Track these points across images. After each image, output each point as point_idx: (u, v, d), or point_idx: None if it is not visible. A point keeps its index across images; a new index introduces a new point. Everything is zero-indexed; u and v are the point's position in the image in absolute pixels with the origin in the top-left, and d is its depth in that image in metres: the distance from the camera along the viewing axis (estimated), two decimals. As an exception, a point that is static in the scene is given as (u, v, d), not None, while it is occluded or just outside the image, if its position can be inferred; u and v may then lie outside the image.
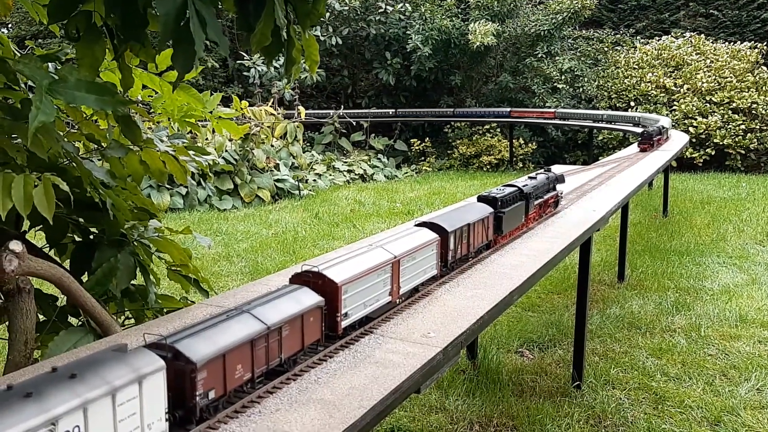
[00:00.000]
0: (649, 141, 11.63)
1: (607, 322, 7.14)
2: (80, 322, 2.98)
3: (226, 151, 16.32)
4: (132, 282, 3.35)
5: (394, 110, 24.26)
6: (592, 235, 5.45)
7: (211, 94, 3.89)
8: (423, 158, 24.16)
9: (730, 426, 5.01)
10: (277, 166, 17.70)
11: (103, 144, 3.39)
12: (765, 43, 22.87)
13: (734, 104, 20.61)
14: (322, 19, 2.94)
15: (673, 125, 17.44)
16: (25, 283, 2.72)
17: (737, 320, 7.19)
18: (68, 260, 3.33)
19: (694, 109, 20.89)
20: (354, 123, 23.72)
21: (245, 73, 22.58)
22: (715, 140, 20.28)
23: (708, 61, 22.22)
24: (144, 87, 3.66)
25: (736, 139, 20.18)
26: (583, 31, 26.58)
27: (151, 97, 3.80)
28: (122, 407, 1.60)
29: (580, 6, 22.57)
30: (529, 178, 5.11)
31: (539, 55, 23.28)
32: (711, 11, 25.70)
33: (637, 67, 23.20)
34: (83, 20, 2.53)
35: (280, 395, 2.18)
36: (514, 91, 24.30)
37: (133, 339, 2.52)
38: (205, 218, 14.24)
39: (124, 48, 2.58)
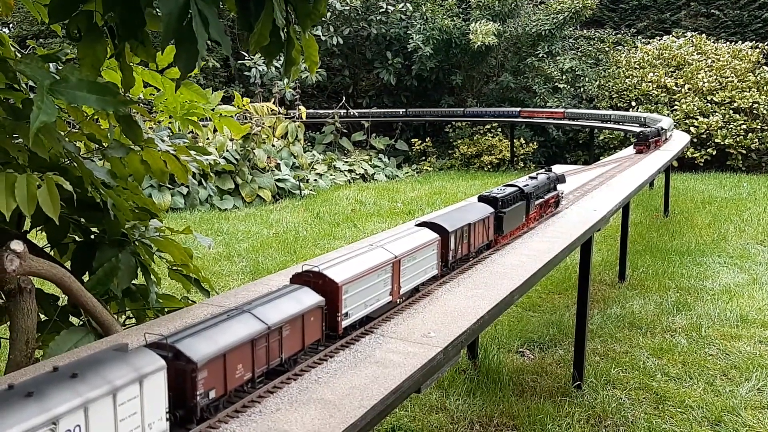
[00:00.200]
0: (645, 142, 11.46)
1: (607, 322, 7.14)
2: (81, 322, 2.99)
3: (227, 150, 16.33)
4: (133, 282, 3.36)
5: (404, 110, 24.26)
6: (593, 235, 5.45)
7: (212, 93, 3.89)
8: (424, 158, 24.16)
9: (731, 426, 5.00)
10: (278, 166, 17.71)
11: (104, 144, 3.39)
12: (766, 43, 22.84)
13: (735, 104, 20.60)
14: (323, 18, 2.94)
15: (674, 125, 17.41)
16: (26, 282, 2.73)
17: (738, 320, 7.18)
18: (69, 260, 3.34)
19: (696, 108, 20.88)
20: (364, 123, 23.77)
21: (246, 73, 22.60)
22: (716, 140, 20.26)
23: (709, 60, 22.20)
24: (146, 85, 3.67)
25: (738, 139, 20.16)
26: (584, 31, 26.56)
27: (153, 95, 3.80)
28: (123, 407, 1.60)
29: (581, 6, 22.55)
30: (530, 177, 5.11)
31: (540, 55, 23.26)
32: (712, 11, 25.68)
33: (638, 66, 23.19)
34: (84, 20, 2.54)
35: (281, 395, 2.18)
36: (515, 90, 24.28)
37: (133, 338, 2.53)
38: (206, 218, 14.25)
39: (122, 46, 2.58)
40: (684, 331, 6.90)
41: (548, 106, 22.48)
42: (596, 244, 10.04)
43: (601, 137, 22.31)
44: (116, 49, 2.61)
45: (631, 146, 12.38)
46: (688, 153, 19.97)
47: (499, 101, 24.42)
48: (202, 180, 15.63)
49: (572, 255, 6.18)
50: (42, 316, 3.14)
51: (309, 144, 23.22)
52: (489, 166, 22.66)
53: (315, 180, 19.15)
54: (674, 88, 21.85)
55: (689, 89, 21.59)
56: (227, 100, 12.84)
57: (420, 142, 24.34)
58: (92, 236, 3.36)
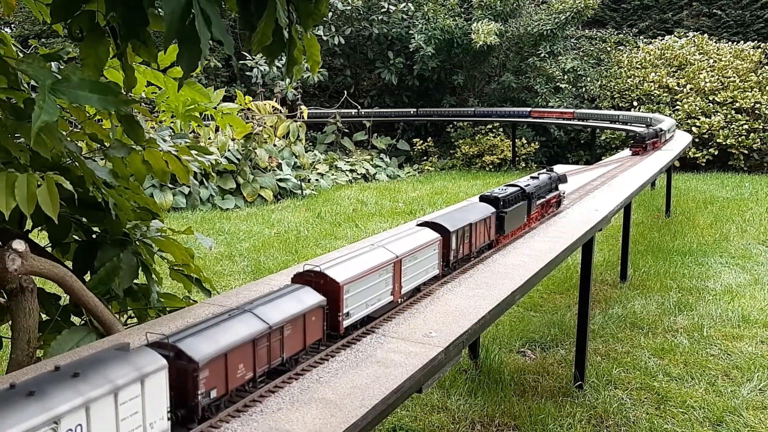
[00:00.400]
0: (641, 144, 11.24)
1: (609, 322, 7.14)
2: (83, 321, 2.99)
3: (229, 150, 16.33)
4: (134, 281, 3.36)
5: (414, 110, 24.24)
6: (595, 235, 5.44)
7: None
8: (425, 158, 24.14)
9: (733, 426, 5.00)
10: (279, 166, 17.71)
11: (105, 143, 3.40)
12: (768, 43, 22.84)
13: (737, 104, 20.57)
14: (324, 18, 2.95)
15: (676, 125, 17.38)
16: (28, 282, 2.73)
17: (740, 320, 7.18)
18: (71, 260, 3.34)
19: (697, 108, 20.85)
20: (365, 123, 23.76)
21: (248, 73, 22.59)
22: (718, 140, 20.24)
23: (711, 60, 22.17)
24: (148, 84, 3.67)
25: (739, 139, 20.13)
26: (586, 31, 26.54)
27: (155, 93, 3.80)
28: (124, 406, 1.60)
29: (583, 6, 22.53)
30: (532, 177, 5.11)
31: (542, 55, 23.24)
32: (714, 11, 25.65)
33: (640, 66, 23.16)
34: (86, 20, 2.54)
35: (282, 394, 2.18)
36: (517, 90, 24.26)
37: (135, 338, 2.53)
38: (207, 218, 14.26)
39: (124, 46, 2.59)
40: (686, 332, 6.89)
41: (550, 106, 22.46)
42: (598, 244, 10.03)
43: (603, 137, 22.29)
44: (118, 49, 2.61)
45: (628, 148, 12.15)
46: (690, 153, 19.95)
47: (501, 101, 24.40)
48: (204, 180, 15.63)
49: (574, 255, 6.17)
50: (43, 315, 3.14)
51: (310, 144, 23.21)
52: (490, 166, 22.65)
53: (316, 180, 19.15)
54: (676, 88, 21.82)
55: (691, 89, 21.56)
56: (229, 99, 12.83)
57: (421, 142, 24.33)
58: (94, 236, 3.36)
